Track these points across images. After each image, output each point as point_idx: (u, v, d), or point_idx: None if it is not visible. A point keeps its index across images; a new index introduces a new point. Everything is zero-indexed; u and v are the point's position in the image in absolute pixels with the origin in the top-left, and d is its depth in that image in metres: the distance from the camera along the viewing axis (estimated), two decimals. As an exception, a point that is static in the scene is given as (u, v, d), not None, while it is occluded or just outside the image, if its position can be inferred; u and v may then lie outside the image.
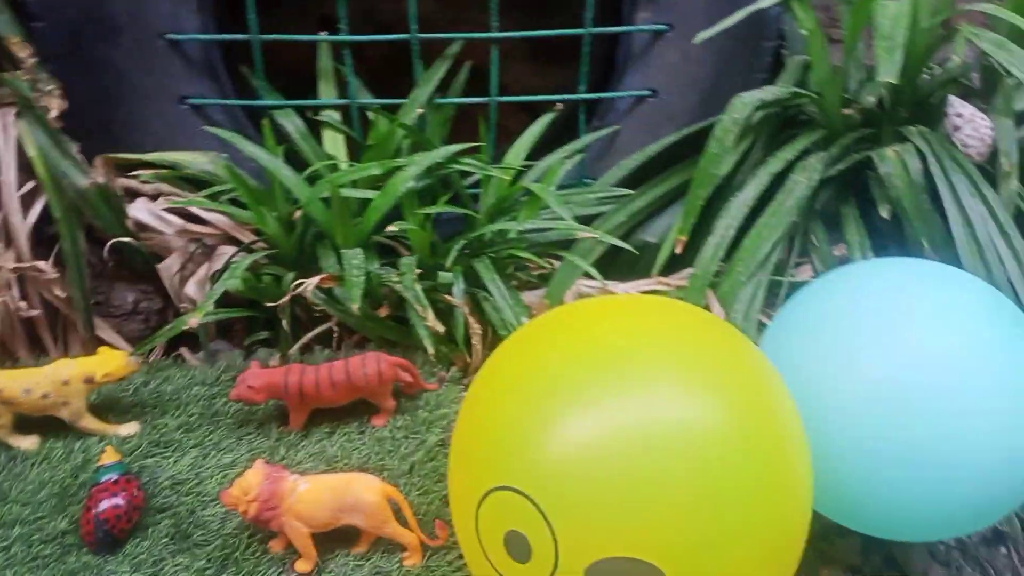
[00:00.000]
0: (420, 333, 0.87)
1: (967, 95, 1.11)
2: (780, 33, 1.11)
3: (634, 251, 0.99)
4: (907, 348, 0.73)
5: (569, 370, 0.67)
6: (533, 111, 1.16)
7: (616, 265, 1.10)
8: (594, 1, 1.02)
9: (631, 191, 1.07)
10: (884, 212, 0.97)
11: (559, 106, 1.08)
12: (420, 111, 0.99)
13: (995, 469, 0.71)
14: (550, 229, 0.96)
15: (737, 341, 0.72)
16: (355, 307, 0.82)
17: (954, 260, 0.93)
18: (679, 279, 1.05)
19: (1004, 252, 0.91)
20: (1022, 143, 1.00)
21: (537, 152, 1.12)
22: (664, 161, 1.10)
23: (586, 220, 1.08)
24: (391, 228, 0.87)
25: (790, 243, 1.05)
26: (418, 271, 0.92)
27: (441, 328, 0.86)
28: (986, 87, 1.07)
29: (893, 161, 0.98)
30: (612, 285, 1.05)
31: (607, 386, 0.65)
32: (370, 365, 0.87)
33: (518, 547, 0.60)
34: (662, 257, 1.04)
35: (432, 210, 0.91)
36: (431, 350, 0.87)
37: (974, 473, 0.71)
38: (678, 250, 1.01)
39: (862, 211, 1.05)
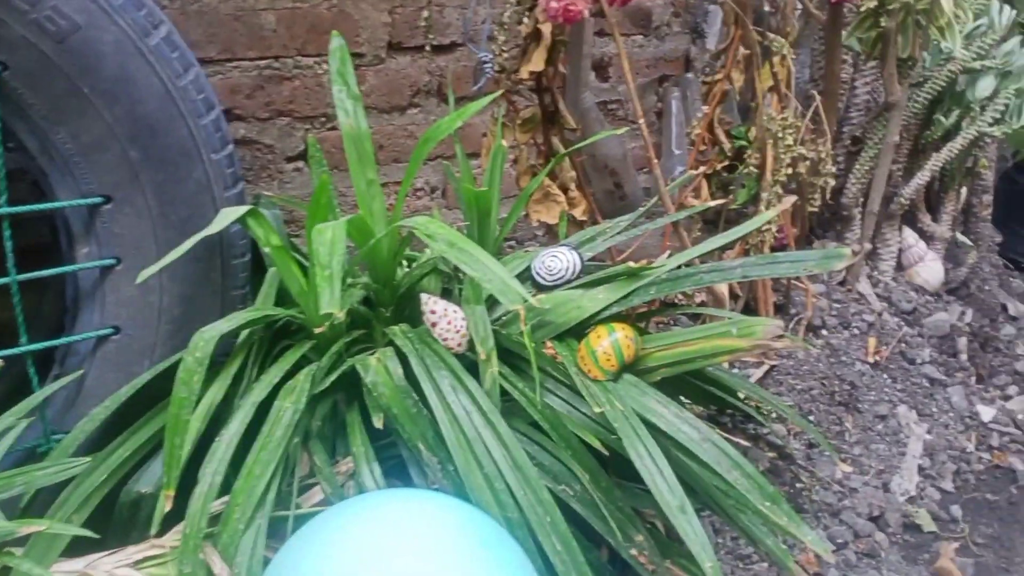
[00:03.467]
0: None
1: (450, 282, 1.17)
2: (255, 245, 1.07)
3: (91, 535, 0.85)
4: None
5: None
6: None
7: (115, 522, 0.95)
8: (13, 245, 0.89)
9: (97, 451, 0.93)
10: (377, 422, 0.95)
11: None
12: None
13: None
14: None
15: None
16: None
17: (450, 459, 0.93)
18: (176, 536, 0.92)
19: (492, 443, 0.93)
20: (499, 327, 1.06)
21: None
22: (146, 400, 0.98)
23: (54, 490, 0.92)
24: None
25: (303, 466, 0.99)
26: None
27: None
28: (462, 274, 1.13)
29: (376, 368, 0.97)
30: (97, 561, 0.89)
31: None
32: None
33: None
34: (157, 516, 0.92)
35: None
36: None
37: None
38: (167, 507, 0.89)
39: (368, 416, 1.02)
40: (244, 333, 1.03)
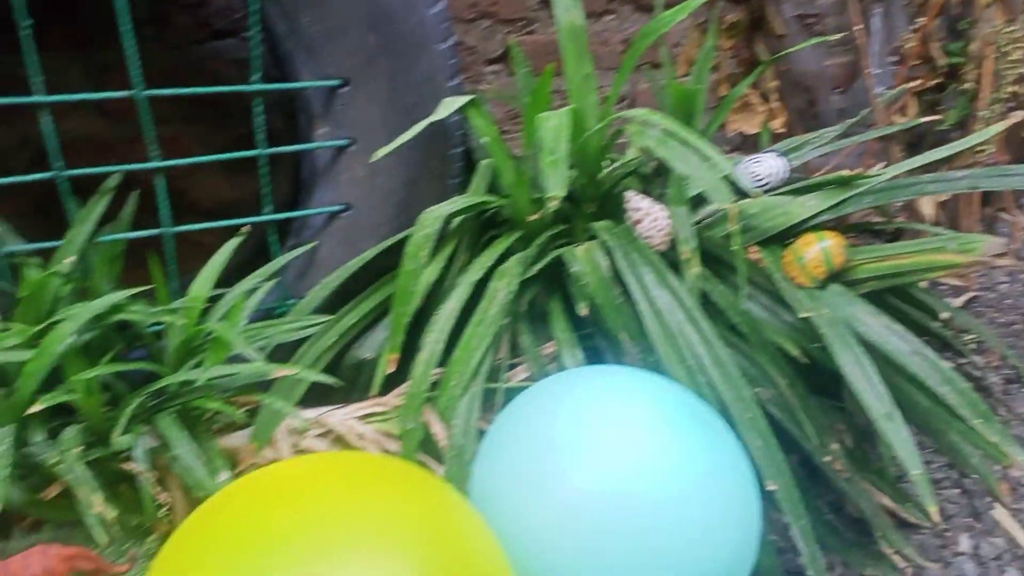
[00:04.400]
0: (88, 521, 0.75)
1: (648, 184, 1.17)
2: (466, 137, 1.11)
3: (333, 382, 0.93)
4: (605, 461, 0.74)
5: (251, 552, 0.62)
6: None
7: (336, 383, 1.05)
8: (264, 121, 0.97)
9: (329, 315, 1.01)
10: (583, 309, 0.98)
11: (246, 228, 1.01)
12: (70, 260, 0.87)
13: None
14: (238, 373, 0.88)
15: (435, 495, 0.69)
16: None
17: (650, 350, 0.96)
18: (397, 396, 1.01)
19: (693, 338, 0.95)
20: (700, 229, 1.07)
21: (238, 272, 1.04)
22: (370, 274, 1.06)
23: (291, 346, 1.01)
24: (35, 407, 0.75)
25: (503, 347, 1.05)
26: (88, 442, 0.80)
27: (110, 513, 0.75)
28: (662, 177, 1.14)
29: (582, 260, 1.00)
30: (328, 413, 0.99)
31: (293, 563, 0.60)
32: (34, 563, 0.75)
33: None
34: (378, 377, 1.00)
35: (96, 372, 0.80)
36: (103, 539, 0.75)
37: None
38: (390, 369, 0.97)
39: (568, 306, 1.06)
40: (456, 221, 1.08)
